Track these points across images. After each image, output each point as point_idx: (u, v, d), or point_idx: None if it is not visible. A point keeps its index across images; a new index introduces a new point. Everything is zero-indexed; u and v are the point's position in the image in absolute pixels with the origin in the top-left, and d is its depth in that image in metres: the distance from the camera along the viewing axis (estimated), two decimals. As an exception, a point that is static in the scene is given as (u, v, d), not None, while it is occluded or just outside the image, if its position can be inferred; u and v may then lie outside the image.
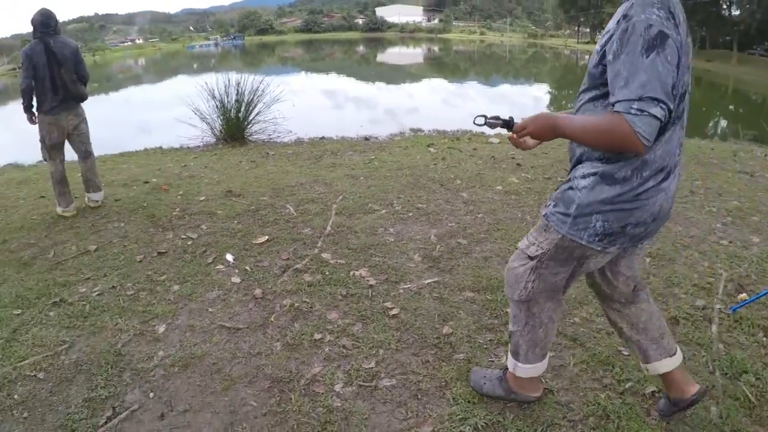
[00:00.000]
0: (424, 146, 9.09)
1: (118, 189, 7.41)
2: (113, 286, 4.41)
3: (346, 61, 57.53)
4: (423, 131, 11.60)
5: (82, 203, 6.62)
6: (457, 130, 11.47)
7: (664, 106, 1.81)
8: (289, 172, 7.65)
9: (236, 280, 4.29)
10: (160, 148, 11.23)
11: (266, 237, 5.07)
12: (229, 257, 4.71)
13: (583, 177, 2.15)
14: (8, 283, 4.65)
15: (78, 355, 3.55)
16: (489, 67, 44.42)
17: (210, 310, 3.90)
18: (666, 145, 2.06)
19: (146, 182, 7.64)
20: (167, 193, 7.00)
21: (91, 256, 5.10)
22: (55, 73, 5.72)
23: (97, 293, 4.32)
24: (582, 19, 68.35)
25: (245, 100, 10.75)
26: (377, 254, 4.54)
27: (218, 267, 4.56)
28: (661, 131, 1.98)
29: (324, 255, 4.57)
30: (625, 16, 1.89)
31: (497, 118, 2.29)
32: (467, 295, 3.86)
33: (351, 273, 4.22)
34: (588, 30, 70.30)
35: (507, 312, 3.22)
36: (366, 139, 10.69)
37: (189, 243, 5.14)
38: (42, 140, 6.01)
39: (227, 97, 10.87)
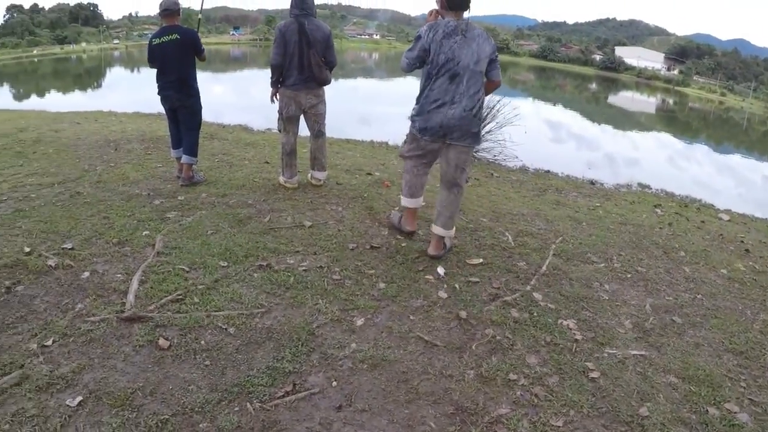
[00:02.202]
0: (650, 205, 8.80)
1: (340, 174, 7.79)
2: (321, 266, 4.63)
3: (575, 95, 56.89)
4: (651, 189, 11.24)
5: (304, 178, 7.07)
6: (686, 196, 11.00)
7: None
8: (512, 199, 7.69)
9: (443, 294, 4.32)
10: (386, 143, 11.65)
11: (481, 260, 5.07)
12: (441, 270, 4.73)
13: None
14: (220, 235, 5.10)
15: (272, 322, 3.77)
16: (722, 132, 41.45)
17: (411, 317, 3.96)
18: None
19: (369, 174, 7.96)
20: (389, 189, 7.23)
21: (305, 231, 5.40)
22: (304, 54, 6.16)
23: (303, 268, 4.57)
24: None
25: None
26: (588, 309, 4.40)
27: (428, 277, 4.61)
28: None
29: (535, 294, 4.49)
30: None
31: None
32: (671, 379, 3.62)
33: (559, 321, 4.12)
34: None
35: (709, 411, 3.24)
36: (592, 183, 10.59)
37: (403, 245, 5.25)
38: (280, 112, 6.51)
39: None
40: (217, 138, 9.72)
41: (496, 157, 11.43)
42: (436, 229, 4.98)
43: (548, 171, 11.32)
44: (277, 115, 6.61)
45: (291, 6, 6.22)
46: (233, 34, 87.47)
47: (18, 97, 32.75)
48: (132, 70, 58.72)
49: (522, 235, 5.92)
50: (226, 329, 3.63)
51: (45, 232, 4.98)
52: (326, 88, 6.64)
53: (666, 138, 30.19)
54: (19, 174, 6.98)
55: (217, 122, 12.39)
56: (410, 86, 6.08)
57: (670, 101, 68.82)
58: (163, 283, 4.14)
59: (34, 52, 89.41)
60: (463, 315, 4.04)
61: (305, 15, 6.22)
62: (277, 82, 6.45)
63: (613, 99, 60.53)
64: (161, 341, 3.44)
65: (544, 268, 5.05)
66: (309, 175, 7.03)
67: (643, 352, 3.89)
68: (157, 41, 6.40)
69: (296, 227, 5.47)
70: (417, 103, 4.72)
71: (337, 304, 4.04)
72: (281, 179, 6.82)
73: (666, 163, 19.13)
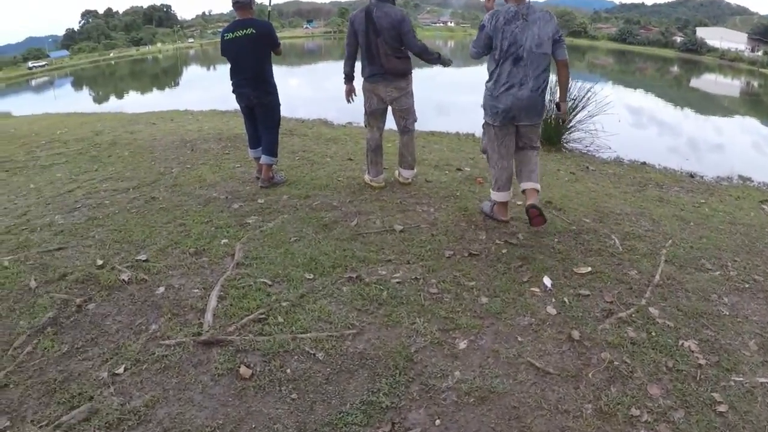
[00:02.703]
0: (756, 201, 8.26)
1: (428, 170, 7.46)
2: (416, 278, 4.30)
3: (656, 79, 55.48)
4: (753, 182, 10.54)
5: (391, 175, 6.76)
6: None
7: None
8: (612, 195, 7.28)
9: (552, 311, 3.97)
10: (472, 135, 11.27)
11: (589, 268, 4.66)
12: (547, 282, 4.38)
13: None
14: (304, 242, 4.81)
15: (365, 346, 3.44)
16: None
17: (519, 338, 3.62)
18: None
19: (459, 170, 7.61)
20: (482, 187, 6.86)
21: (396, 236, 5.09)
22: (372, 43, 5.85)
23: (396, 280, 4.24)
24: None
25: (571, 105, 10.71)
26: (709, 327, 4.03)
27: (533, 289, 4.25)
28: None
29: (652, 310, 4.12)
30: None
31: None
32: None
33: (680, 342, 3.76)
34: None
35: None
36: (691, 176, 10.07)
37: (503, 251, 4.88)
38: (364, 105, 6.24)
39: (552, 95, 10.61)
40: (296, 134, 9.54)
41: (588, 148, 11.12)
42: (526, 185, 5.30)
43: (644, 162, 10.80)
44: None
45: None
46: (306, 28, 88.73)
47: (97, 99, 33.73)
48: (207, 68, 60.03)
49: (629, 237, 5.56)
50: (314, 354, 3.31)
51: (119, 241, 4.81)
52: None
53: (754, 123, 29.23)
54: (93, 179, 6.90)
55: (295, 117, 12.24)
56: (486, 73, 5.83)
57: (755, 84, 66.99)
58: (243, 299, 3.86)
59: (111, 54, 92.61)
60: (576, 335, 3.70)
61: (376, 2, 5.88)
62: (350, 78, 6.20)
63: (695, 82, 58.64)
64: (243, 369, 3.15)
65: (657, 277, 4.67)
66: (396, 172, 6.73)
67: None
68: (229, 36, 6.13)
69: (386, 232, 5.16)
70: (486, 89, 5.11)
71: (436, 323, 3.71)
72: (366, 178, 6.53)
73: (751, 149, 18.30)
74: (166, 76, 52.46)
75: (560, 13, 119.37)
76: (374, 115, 6.28)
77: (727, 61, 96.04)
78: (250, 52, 6.11)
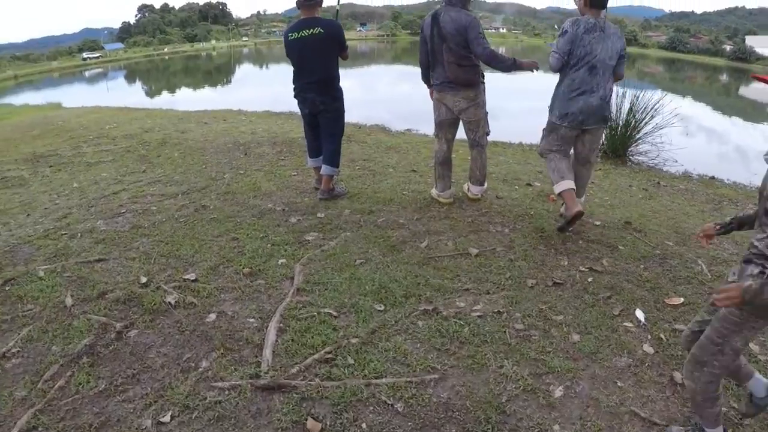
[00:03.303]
0: None
1: (498, 184, 7.04)
2: (498, 311, 3.87)
3: (705, 87, 55.30)
4: None
5: (459, 190, 6.33)
6: None
7: None
8: (690, 214, 6.99)
9: (649, 349, 3.65)
10: (536, 146, 10.80)
11: (681, 299, 4.35)
12: (640, 315, 4.08)
13: None
14: (371, 265, 4.36)
15: (450, 394, 3.01)
16: None
17: (619, 384, 3.28)
18: None
19: (529, 185, 7.16)
20: (555, 204, 6.42)
21: (471, 261, 4.65)
22: (437, 49, 5.53)
23: (477, 314, 3.80)
24: None
25: (638, 117, 10.58)
26: None
27: (626, 324, 3.92)
28: None
29: (752, 346, 3.83)
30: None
31: None
32: None
33: None
34: None
35: None
36: None
37: (589, 279, 4.51)
38: (434, 115, 5.90)
39: (619, 108, 10.54)
40: (354, 141, 9.12)
41: (654, 161, 10.85)
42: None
43: (713, 177, 10.56)
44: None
45: None
46: (360, 31, 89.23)
47: (149, 93, 33.91)
48: (261, 67, 60.33)
49: (715, 263, 5.26)
50: (392, 405, 2.87)
51: (165, 256, 4.43)
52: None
53: None
54: (140, 181, 6.56)
55: (352, 122, 11.75)
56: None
57: None
58: (307, 333, 3.42)
59: (165, 50, 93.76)
60: (679, 378, 3.35)
61: (447, 5, 5.51)
62: (427, 80, 5.84)
63: (744, 90, 59.29)
64: (310, 423, 2.72)
65: None
66: (465, 186, 6.31)
67: None
68: (294, 35, 5.69)
69: (460, 256, 4.72)
70: (556, 93, 5.30)
71: (526, 365, 3.32)
72: (434, 192, 6.11)
73: None
74: (219, 73, 52.88)
75: (614, 20, 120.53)
76: (442, 126, 5.88)
77: None
78: (317, 53, 5.70)
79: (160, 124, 11.27)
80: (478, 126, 5.84)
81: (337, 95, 5.90)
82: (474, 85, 5.67)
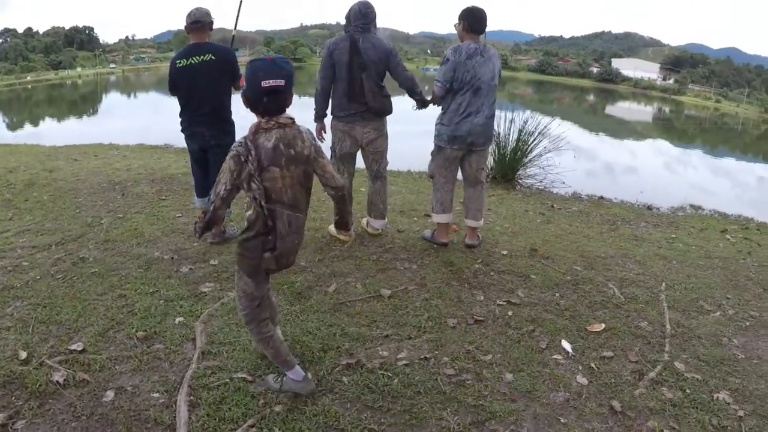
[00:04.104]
0: (717, 231, 8.81)
1: (396, 216, 6.90)
2: (425, 357, 3.71)
3: (573, 107, 59.31)
4: (703, 210, 11.31)
5: (358, 225, 6.12)
6: (739, 216, 11.05)
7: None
8: (591, 237, 7.27)
9: (583, 380, 3.71)
10: (425, 172, 10.80)
11: (602, 325, 4.50)
12: (567, 346, 4.16)
13: None
14: (280, 318, 4.00)
15: None
16: (717, 136, 43.51)
17: (562, 420, 3.28)
18: None
19: (427, 215, 7.02)
20: (458, 234, 6.37)
21: (385, 303, 4.44)
22: (356, 78, 5.31)
23: (404, 363, 3.61)
24: None
25: (527, 140, 10.90)
26: (733, 374, 4.05)
27: (555, 357, 3.97)
28: None
29: (677, 365, 4.05)
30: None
31: None
32: None
33: (714, 396, 3.71)
34: None
35: None
36: (649, 208, 10.56)
37: (509, 313, 4.52)
38: (332, 149, 5.64)
39: (509, 132, 10.87)
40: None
41: (542, 183, 11.21)
42: (470, 222, 5.87)
43: (602, 197, 11.08)
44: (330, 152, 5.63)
45: (348, 19, 5.37)
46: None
47: (11, 126, 32.05)
48: (129, 96, 58.54)
49: (625, 284, 5.52)
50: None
51: (44, 322, 3.90)
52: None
53: (662, 144, 31.59)
54: (7, 231, 5.94)
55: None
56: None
57: (666, 109, 73.84)
58: (223, 405, 3.06)
59: (28, 78, 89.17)
60: (617, 406, 3.46)
61: (362, 30, 5.32)
62: (322, 116, 5.57)
63: (610, 109, 63.88)
64: None
65: (668, 327, 4.66)
66: (365, 221, 6.10)
67: None
68: (183, 63, 5.23)
69: (372, 298, 4.51)
70: (442, 118, 5.56)
71: (467, 414, 3.22)
72: (332, 230, 5.86)
73: (662, 170, 20.32)
74: (86, 103, 50.48)
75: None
76: (345, 159, 5.67)
77: (641, 90, 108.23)
78: (209, 82, 5.27)
79: (25, 163, 10.45)
80: (383, 157, 5.74)
81: (229, 129, 5.50)
82: (387, 114, 5.60)
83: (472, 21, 5.37)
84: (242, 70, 3.18)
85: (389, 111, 5.59)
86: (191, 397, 3.06)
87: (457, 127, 5.42)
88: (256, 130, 2.80)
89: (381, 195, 5.84)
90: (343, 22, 5.48)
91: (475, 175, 5.75)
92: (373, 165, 5.76)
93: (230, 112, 5.53)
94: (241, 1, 6.30)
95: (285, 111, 2.88)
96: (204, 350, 3.54)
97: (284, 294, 4.42)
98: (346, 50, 5.26)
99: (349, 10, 5.35)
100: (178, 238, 5.64)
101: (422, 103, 5.68)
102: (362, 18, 5.29)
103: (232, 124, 5.53)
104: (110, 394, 3.09)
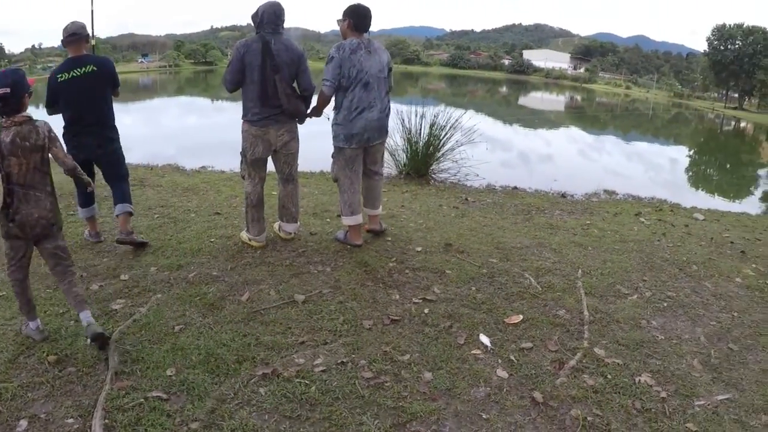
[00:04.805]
0: (632, 215, 9.07)
1: (308, 219, 6.91)
2: (342, 362, 3.72)
3: (486, 99, 60.04)
4: (617, 194, 11.70)
5: (270, 230, 6.12)
6: (652, 198, 11.62)
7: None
8: (505, 228, 7.38)
9: (503, 374, 3.76)
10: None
11: (520, 316, 4.59)
12: (485, 340, 4.20)
13: None
14: (193, 330, 4.00)
15: None
16: (629, 122, 44.88)
17: (484, 416, 3.32)
18: None
19: (340, 216, 6.93)
20: (368, 233, 6.41)
21: (300, 309, 4.44)
22: (269, 81, 5.30)
23: (321, 369, 3.62)
24: (732, 83, 74.23)
25: (440, 135, 11.02)
26: (653, 356, 4.21)
27: (474, 352, 4.01)
28: None
29: (597, 351, 4.15)
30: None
31: None
32: (764, 419, 3.52)
33: (636, 379, 3.83)
34: (736, 95, 75.45)
35: None
36: (563, 196, 10.78)
37: (426, 311, 4.57)
38: (243, 153, 5.62)
39: (420, 127, 10.98)
40: (149, 185, 8.47)
41: (456, 177, 11.33)
42: (369, 211, 6.15)
43: (515, 187, 11.31)
44: (240, 158, 5.71)
45: (258, 22, 5.35)
46: (141, 62, 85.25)
47: None
48: (36, 107, 56.69)
49: (542, 273, 5.64)
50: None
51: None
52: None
53: (577, 132, 32.25)
54: None
55: (142, 163, 11.02)
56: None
57: (578, 98, 76.07)
58: (139, 426, 3.00)
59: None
60: (539, 397, 3.52)
61: (273, 32, 5.34)
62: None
63: (523, 100, 64.64)
64: None
65: (586, 313, 4.76)
66: (276, 226, 6.11)
67: (727, 396, 3.78)
68: (65, 76, 5.22)
69: (286, 305, 4.51)
70: (336, 118, 5.67)
71: (387, 417, 3.23)
72: (245, 236, 5.82)
73: (576, 156, 20.88)
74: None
75: (393, 42, 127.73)
76: (257, 165, 5.64)
77: (553, 79, 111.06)
78: (93, 94, 5.32)
79: None
80: (295, 159, 5.77)
81: (114, 135, 5.61)
82: (299, 115, 5.60)
83: (357, 19, 5.55)
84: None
85: (302, 113, 5.61)
86: (106, 421, 3.01)
87: (352, 124, 5.54)
88: None
89: (293, 198, 5.84)
90: None
91: (373, 168, 5.99)
92: (284, 168, 5.75)
93: (113, 119, 5.60)
94: (92, 11, 6.40)
95: (21, 111, 3.55)
96: (117, 370, 3.47)
97: (196, 306, 4.37)
98: (258, 52, 5.25)
99: (261, 12, 5.32)
100: (88, 254, 5.48)
101: (314, 111, 5.78)
102: (276, 19, 5.31)
103: (116, 130, 5.62)
104: (23, 424, 3.02)
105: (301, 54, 5.50)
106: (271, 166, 5.86)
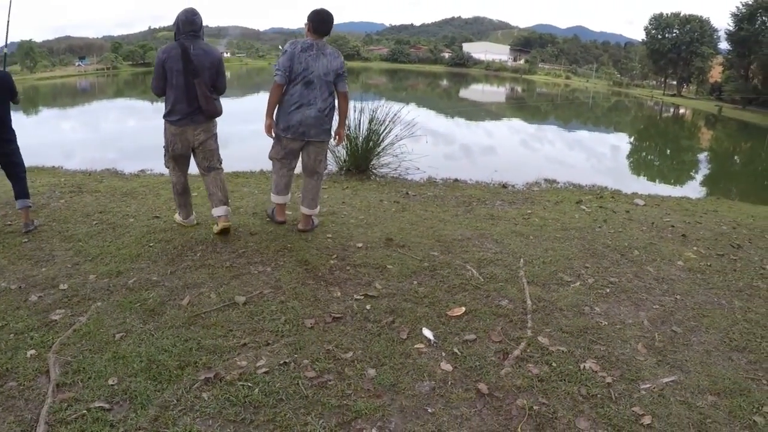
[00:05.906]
0: (573, 203, 9.29)
1: (249, 219, 6.89)
2: (285, 363, 3.71)
3: (427, 93, 60.81)
4: (558, 183, 12.04)
5: (210, 234, 6.16)
6: (593, 185, 11.95)
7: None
8: (446, 221, 7.48)
9: (447, 367, 3.79)
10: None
11: (463, 308, 4.64)
12: (428, 333, 4.23)
13: None
14: (134, 337, 3.96)
15: None
16: (570, 112, 45.63)
17: (429, 410, 3.34)
18: None
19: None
20: (313, 233, 6.47)
21: (241, 311, 4.44)
22: (189, 84, 5.62)
23: (263, 370, 3.61)
24: (670, 71, 76.62)
25: (377, 129, 11.09)
26: (598, 342, 4.29)
27: (417, 346, 4.04)
28: None
29: (541, 339, 4.22)
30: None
31: None
32: (710, 399, 3.65)
33: (581, 366, 3.90)
34: (675, 82, 77.51)
35: (756, 420, 3.38)
36: (504, 186, 10.95)
37: (368, 307, 4.60)
38: (165, 148, 5.99)
39: (359, 122, 11.03)
40: (86, 191, 8.32)
41: (397, 171, 11.44)
42: (304, 210, 6.38)
43: (456, 179, 11.47)
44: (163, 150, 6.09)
45: (177, 29, 5.61)
46: (79, 65, 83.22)
47: None
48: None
49: (483, 264, 5.74)
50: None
51: None
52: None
53: (518, 123, 32.81)
54: None
55: (80, 169, 10.79)
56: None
57: (519, 89, 77.02)
58: (81, 437, 2.99)
59: None
60: (484, 389, 3.56)
61: (191, 38, 5.59)
62: None
63: (464, 93, 65.59)
64: None
65: (529, 302, 4.85)
66: (215, 228, 6.17)
67: (672, 378, 3.87)
68: None
69: (227, 307, 4.49)
70: (279, 108, 5.95)
71: (332, 416, 3.23)
72: (177, 217, 6.48)
73: (519, 147, 21.33)
74: None
75: (334, 39, 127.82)
76: (178, 160, 6.07)
77: (493, 72, 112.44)
78: None
79: None
80: (213, 155, 6.05)
81: (11, 137, 6.17)
82: (218, 115, 5.88)
83: (317, 23, 5.82)
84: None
85: (219, 113, 5.92)
86: (48, 433, 3.00)
87: (290, 117, 5.87)
88: None
89: (216, 182, 6.05)
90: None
91: (312, 166, 6.21)
92: (203, 162, 6.04)
93: (11, 123, 6.17)
94: (9, 22, 6.62)
95: None
96: (59, 382, 3.43)
97: (137, 312, 4.33)
98: (178, 57, 5.50)
99: (177, 20, 5.57)
100: (26, 264, 5.37)
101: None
102: (190, 26, 5.57)
103: (14, 132, 6.19)
104: (-39, 442, 2.99)
105: (220, 57, 5.86)
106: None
